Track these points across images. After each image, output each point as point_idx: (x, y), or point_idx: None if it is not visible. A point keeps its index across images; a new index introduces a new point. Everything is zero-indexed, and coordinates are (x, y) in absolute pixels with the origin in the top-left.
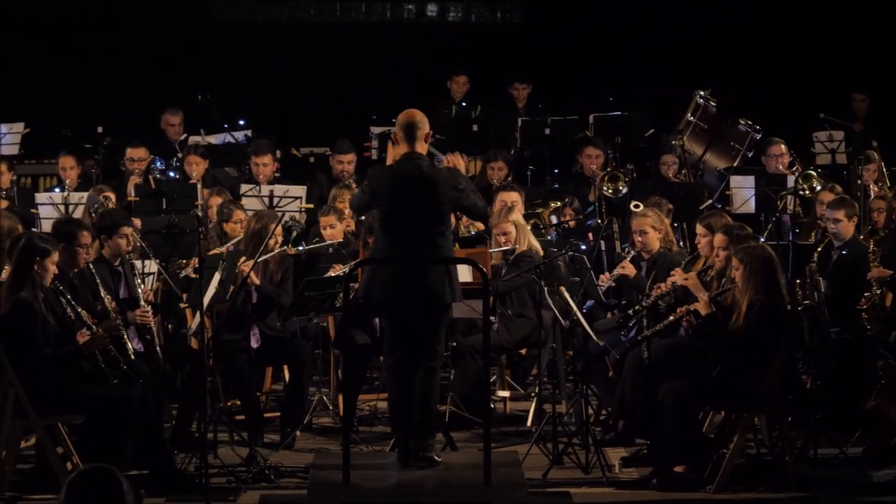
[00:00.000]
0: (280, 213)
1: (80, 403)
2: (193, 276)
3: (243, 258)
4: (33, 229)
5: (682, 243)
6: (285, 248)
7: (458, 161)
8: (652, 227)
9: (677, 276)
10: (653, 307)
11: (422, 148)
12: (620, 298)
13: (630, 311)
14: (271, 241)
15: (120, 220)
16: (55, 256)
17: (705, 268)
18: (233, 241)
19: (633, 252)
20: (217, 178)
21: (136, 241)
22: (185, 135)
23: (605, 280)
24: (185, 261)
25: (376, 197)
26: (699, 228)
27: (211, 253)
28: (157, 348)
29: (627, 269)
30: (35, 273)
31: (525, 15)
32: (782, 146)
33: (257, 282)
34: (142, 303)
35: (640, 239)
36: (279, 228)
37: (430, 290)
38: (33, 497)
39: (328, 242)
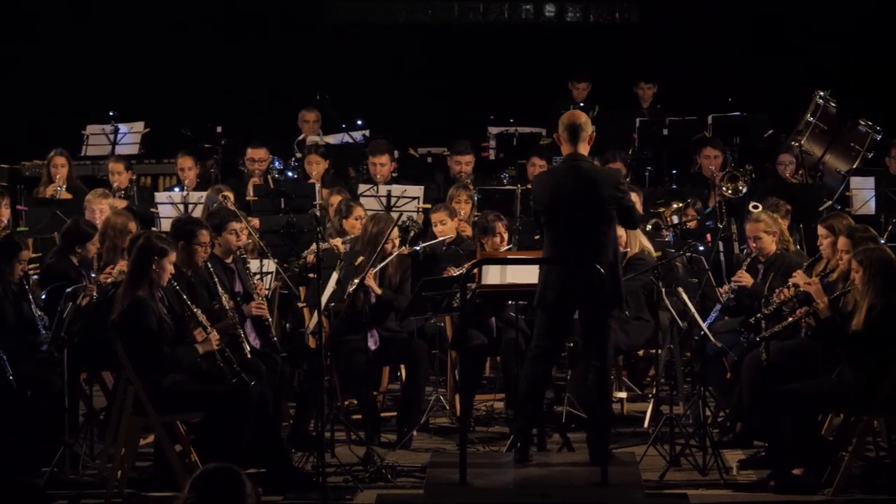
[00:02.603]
0: (397, 214)
1: (199, 402)
2: (309, 268)
3: (360, 258)
4: (153, 228)
5: (799, 245)
6: (402, 248)
7: None
8: (765, 231)
9: (799, 278)
10: (776, 313)
11: (584, 149)
12: (739, 308)
13: (751, 320)
14: (388, 245)
15: (227, 216)
16: (172, 256)
17: (827, 271)
18: (347, 239)
19: (749, 258)
20: (337, 178)
21: (255, 241)
22: (303, 135)
23: (723, 292)
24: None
25: (539, 202)
26: (821, 230)
27: (324, 245)
28: (275, 339)
29: (745, 279)
30: (153, 272)
31: (643, 15)
32: None
33: (378, 292)
34: (255, 295)
35: (754, 245)
36: (395, 231)
37: (593, 292)
38: (151, 494)
39: (441, 239)
